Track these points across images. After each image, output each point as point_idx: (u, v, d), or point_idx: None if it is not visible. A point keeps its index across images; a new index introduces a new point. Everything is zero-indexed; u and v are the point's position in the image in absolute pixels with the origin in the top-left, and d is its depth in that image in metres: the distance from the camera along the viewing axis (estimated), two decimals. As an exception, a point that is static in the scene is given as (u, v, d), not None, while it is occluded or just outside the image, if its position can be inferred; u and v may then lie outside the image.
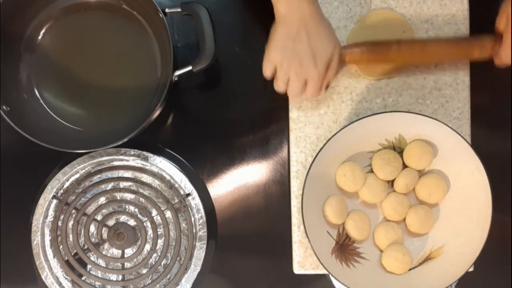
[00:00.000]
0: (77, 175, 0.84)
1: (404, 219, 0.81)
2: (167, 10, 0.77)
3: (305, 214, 0.75)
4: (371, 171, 0.81)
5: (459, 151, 0.77)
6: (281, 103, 0.85)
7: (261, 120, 0.86)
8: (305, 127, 0.83)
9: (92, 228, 0.84)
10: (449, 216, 0.81)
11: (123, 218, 0.84)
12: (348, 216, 0.80)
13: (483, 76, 0.85)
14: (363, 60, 0.79)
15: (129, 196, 0.84)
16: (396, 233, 0.80)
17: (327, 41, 0.73)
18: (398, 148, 0.81)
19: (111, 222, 0.84)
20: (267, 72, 0.76)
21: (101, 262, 0.84)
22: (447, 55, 0.80)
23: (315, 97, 0.78)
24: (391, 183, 0.82)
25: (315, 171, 0.77)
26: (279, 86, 0.76)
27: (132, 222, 0.84)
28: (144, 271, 0.84)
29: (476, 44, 0.77)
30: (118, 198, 0.84)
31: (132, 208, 0.84)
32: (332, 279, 0.79)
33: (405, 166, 0.81)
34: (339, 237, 0.80)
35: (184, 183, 0.83)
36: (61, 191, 0.84)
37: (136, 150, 0.82)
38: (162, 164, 0.83)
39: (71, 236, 0.83)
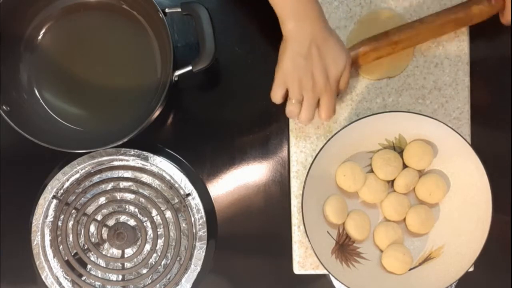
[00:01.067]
0: (77, 175, 0.84)
1: (404, 219, 0.81)
2: (167, 10, 0.77)
3: (305, 214, 0.75)
4: (371, 171, 0.82)
5: (459, 151, 0.77)
6: (281, 103, 0.84)
7: (261, 120, 0.86)
8: (305, 127, 0.83)
9: (92, 228, 0.84)
10: (449, 216, 0.81)
11: (123, 218, 0.84)
12: (348, 216, 0.80)
13: (483, 76, 0.85)
14: (372, 55, 0.79)
15: (129, 196, 0.84)
16: (396, 233, 0.80)
17: (338, 55, 0.73)
18: (398, 148, 0.81)
19: (111, 222, 0.84)
20: (278, 94, 0.75)
21: (101, 262, 0.84)
22: (448, 23, 0.79)
23: (330, 117, 0.76)
24: (391, 183, 0.82)
25: (315, 171, 0.77)
26: (292, 110, 0.75)
27: (132, 222, 0.84)
28: (144, 271, 0.84)
29: (473, 5, 0.78)
30: (118, 198, 0.84)
31: (132, 208, 0.84)
32: (332, 279, 0.79)
33: (405, 166, 0.81)
34: (339, 237, 0.80)
35: (184, 183, 0.83)
36: (61, 191, 0.84)
37: (136, 150, 0.82)
38: (162, 164, 0.83)
39: (71, 236, 0.83)
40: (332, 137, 0.76)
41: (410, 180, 0.80)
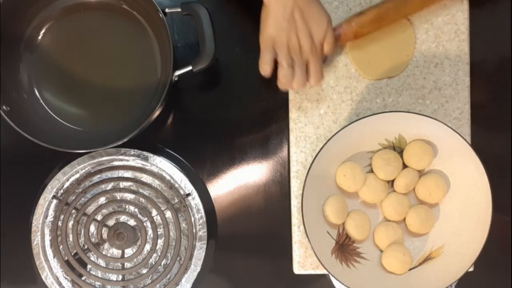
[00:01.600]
0: (77, 175, 0.84)
1: (404, 219, 0.81)
2: (167, 10, 0.77)
3: (305, 214, 0.75)
4: (371, 171, 0.81)
5: (459, 151, 0.77)
6: (281, 103, 0.85)
7: (261, 120, 0.86)
8: (305, 127, 0.83)
9: (92, 228, 0.84)
10: (449, 216, 0.81)
11: (123, 218, 0.84)
12: (348, 216, 0.80)
13: (483, 76, 0.85)
14: (356, 31, 0.79)
15: (129, 196, 0.84)
16: (396, 233, 0.80)
17: (320, 17, 0.73)
18: (398, 148, 0.81)
19: (111, 222, 0.84)
20: (266, 58, 0.74)
21: (101, 262, 0.84)
22: None
23: (320, 81, 0.76)
24: (391, 183, 0.82)
25: (315, 171, 0.77)
26: (286, 75, 0.74)
27: (132, 222, 0.84)
28: (144, 271, 0.84)
29: None
30: (118, 198, 0.84)
31: (132, 208, 0.84)
32: (332, 279, 0.79)
33: (405, 166, 0.81)
34: (339, 237, 0.80)
35: (184, 183, 0.83)
36: (61, 191, 0.84)
37: (136, 150, 0.82)
38: (162, 164, 0.83)
39: (71, 236, 0.83)
40: (332, 137, 0.76)
41: (410, 180, 0.80)
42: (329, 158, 0.78)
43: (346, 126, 0.76)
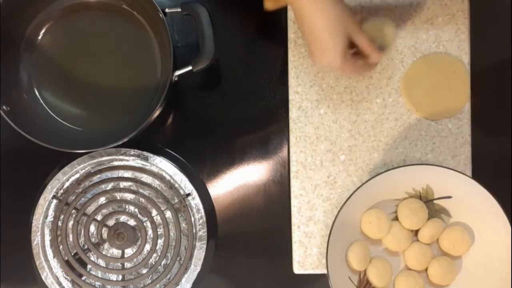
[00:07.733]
0: (77, 175, 0.84)
1: (426, 269, 0.80)
2: (167, 10, 0.77)
3: (329, 260, 0.75)
4: (396, 218, 0.81)
5: (486, 206, 0.77)
6: (281, 103, 0.85)
7: (261, 120, 0.86)
8: (305, 127, 0.83)
9: (92, 228, 0.84)
10: (471, 269, 0.80)
11: (123, 218, 0.84)
12: (370, 263, 0.80)
13: (483, 76, 0.85)
14: None
15: (129, 196, 0.84)
16: (417, 283, 0.79)
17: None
18: (424, 198, 0.80)
19: (111, 222, 0.84)
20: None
21: (101, 262, 0.84)
22: None
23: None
24: (415, 231, 0.81)
25: (342, 217, 0.76)
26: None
27: (132, 222, 0.84)
28: (144, 271, 0.84)
29: None
30: (118, 198, 0.84)
31: (132, 208, 0.84)
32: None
33: (430, 216, 0.80)
34: (360, 283, 0.79)
35: (184, 183, 0.83)
36: (61, 191, 0.84)
37: (136, 150, 0.82)
38: (162, 164, 0.83)
39: (71, 236, 0.83)
40: (359, 187, 0.76)
41: (435, 231, 0.79)
42: (355, 205, 0.78)
43: (373, 177, 0.76)
